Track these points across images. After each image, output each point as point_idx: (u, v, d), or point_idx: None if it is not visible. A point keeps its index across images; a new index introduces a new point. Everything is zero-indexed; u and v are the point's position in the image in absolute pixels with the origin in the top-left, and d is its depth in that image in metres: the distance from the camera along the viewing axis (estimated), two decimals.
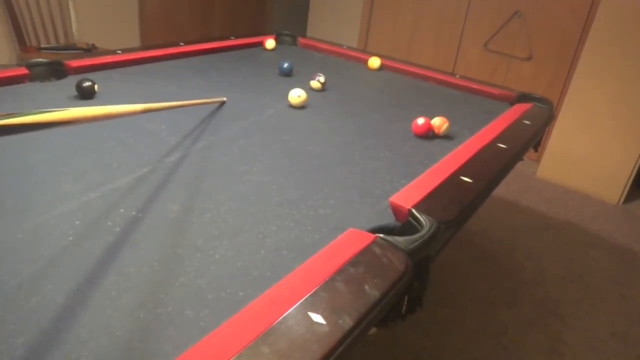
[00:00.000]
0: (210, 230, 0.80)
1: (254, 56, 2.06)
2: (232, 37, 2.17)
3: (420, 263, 0.74)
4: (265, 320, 0.57)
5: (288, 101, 1.46)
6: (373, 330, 0.63)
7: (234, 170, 1.03)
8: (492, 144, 1.24)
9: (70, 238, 0.74)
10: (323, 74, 1.67)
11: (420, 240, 0.75)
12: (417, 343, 1.59)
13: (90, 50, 2.74)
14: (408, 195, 0.91)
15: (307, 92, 1.48)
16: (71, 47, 2.76)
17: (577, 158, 2.87)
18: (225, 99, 1.38)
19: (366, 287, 0.64)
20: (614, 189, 2.78)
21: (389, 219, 0.88)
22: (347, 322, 0.57)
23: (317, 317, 0.57)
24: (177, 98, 1.43)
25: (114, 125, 1.18)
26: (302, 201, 0.93)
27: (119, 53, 1.68)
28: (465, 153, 1.16)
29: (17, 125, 0.45)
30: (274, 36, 2.28)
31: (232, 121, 1.30)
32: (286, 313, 0.58)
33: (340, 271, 0.67)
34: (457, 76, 1.96)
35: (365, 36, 3.99)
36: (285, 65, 1.77)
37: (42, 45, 2.73)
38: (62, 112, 0.51)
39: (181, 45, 1.91)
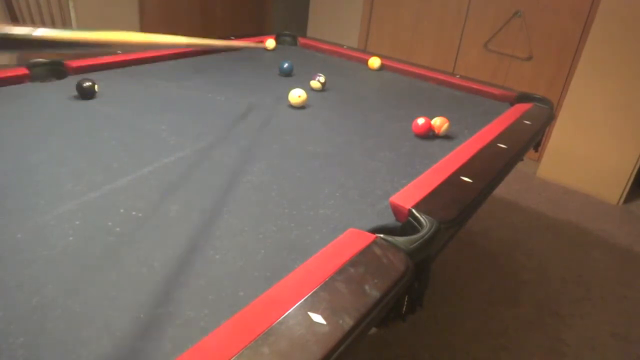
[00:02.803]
0: (211, 230, 0.80)
1: (254, 56, 2.06)
2: (232, 37, 2.17)
3: (420, 263, 0.74)
4: (265, 320, 0.57)
5: (288, 101, 1.46)
6: (373, 330, 0.63)
7: (234, 170, 1.03)
8: (492, 144, 1.24)
9: (70, 238, 0.74)
10: (323, 74, 1.67)
11: (421, 241, 0.75)
12: (417, 343, 1.59)
13: None
14: (408, 195, 0.91)
15: (307, 92, 1.48)
16: None
17: (577, 158, 2.87)
18: (263, 44, 1.36)
19: (366, 287, 0.64)
20: (614, 189, 2.78)
21: (389, 219, 0.88)
22: (348, 322, 0.57)
23: (317, 318, 0.57)
24: (177, 98, 1.43)
25: (114, 126, 1.18)
26: (302, 201, 0.93)
27: (119, 53, 1.68)
28: (466, 153, 1.16)
29: (73, 40, 0.45)
30: (274, 36, 2.28)
31: (232, 121, 1.30)
32: (286, 313, 0.58)
33: (341, 271, 0.67)
34: (458, 76, 1.96)
35: (365, 36, 3.99)
36: (286, 65, 1.77)
37: None
38: (113, 33, 0.51)
39: None
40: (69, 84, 1.37)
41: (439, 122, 1.33)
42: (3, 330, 0.56)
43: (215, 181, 0.97)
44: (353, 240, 0.75)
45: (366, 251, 0.72)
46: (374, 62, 2.03)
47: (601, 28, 2.61)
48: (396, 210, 0.89)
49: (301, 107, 1.47)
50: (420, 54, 3.69)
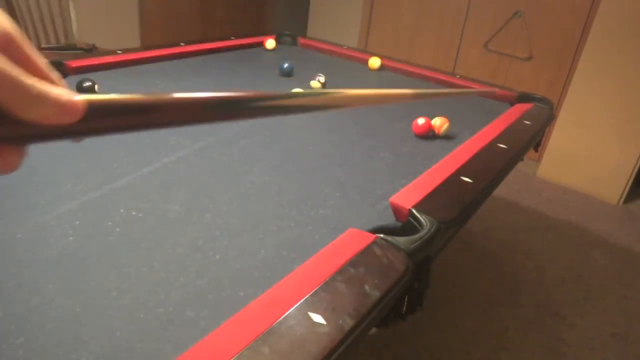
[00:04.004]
0: (211, 230, 0.80)
1: (254, 56, 2.06)
2: (232, 37, 2.17)
3: (420, 263, 0.74)
4: (265, 320, 0.57)
5: None
6: (373, 330, 0.63)
7: (234, 170, 1.03)
8: (492, 144, 1.24)
9: (70, 238, 0.74)
10: (323, 74, 1.67)
11: (421, 241, 0.75)
12: (417, 343, 1.59)
13: (90, 51, 2.74)
14: (408, 195, 0.91)
15: None
16: (71, 47, 2.76)
17: (577, 158, 2.87)
18: (496, 89, 1.27)
19: (367, 287, 0.64)
20: (614, 189, 2.78)
21: (389, 219, 0.88)
22: (348, 322, 0.57)
23: (317, 318, 0.57)
24: None
25: None
26: (302, 201, 0.92)
27: (119, 53, 1.68)
28: (466, 153, 1.16)
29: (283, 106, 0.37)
30: (274, 36, 2.28)
31: (232, 121, 1.30)
32: (286, 313, 0.58)
33: (341, 271, 0.66)
34: (458, 76, 1.96)
35: (365, 36, 3.99)
36: (286, 65, 1.77)
37: (43, 45, 2.73)
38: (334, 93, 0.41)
39: (181, 45, 1.91)
40: (69, 84, 1.36)
41: (439, 122, 1.33)
42: (3, 330, 0.56)
43: (215, 181, 0.97)
44: (353, 240, 0.75)
45: (366, 251, 0.72)
46: (374, 62, 2.03)
47: (601, 28, 2.61)
48: (396, 210, 0.89)
49: None
50: (420, 54, 3.69)
